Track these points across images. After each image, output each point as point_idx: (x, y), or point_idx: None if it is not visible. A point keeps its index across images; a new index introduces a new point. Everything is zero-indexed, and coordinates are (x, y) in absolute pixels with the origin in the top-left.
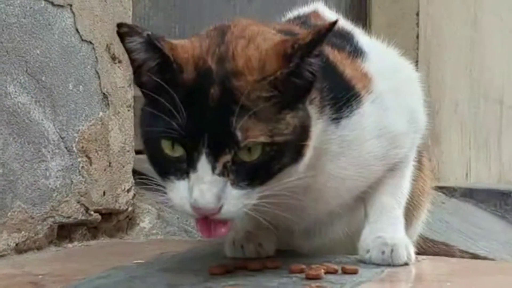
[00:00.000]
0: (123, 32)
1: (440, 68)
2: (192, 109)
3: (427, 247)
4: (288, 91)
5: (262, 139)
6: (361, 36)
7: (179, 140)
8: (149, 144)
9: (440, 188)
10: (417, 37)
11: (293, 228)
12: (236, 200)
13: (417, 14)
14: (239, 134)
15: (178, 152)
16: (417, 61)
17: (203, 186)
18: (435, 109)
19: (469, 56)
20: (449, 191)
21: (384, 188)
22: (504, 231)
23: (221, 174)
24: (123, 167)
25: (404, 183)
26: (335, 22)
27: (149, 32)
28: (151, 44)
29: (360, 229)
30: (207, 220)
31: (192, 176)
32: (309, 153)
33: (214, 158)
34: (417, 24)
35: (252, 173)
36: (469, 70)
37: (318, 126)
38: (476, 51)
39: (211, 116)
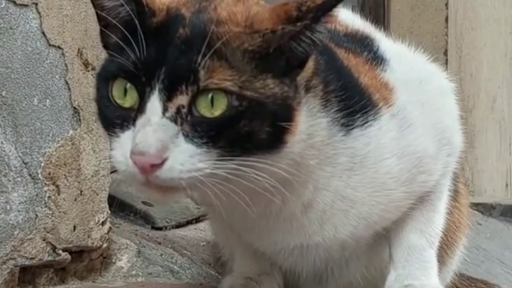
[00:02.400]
0: None
1: (475, 56)
2: (153, 47)
3: (463, 287)
4: (280, 54)
5: (228, 85)
6: (382, 41)
7: (131, 79)
8: (99, 98)
9: (475, 205)
10: (446, 20)
11: (299, 270)
12: (185, 156)
13: None
14: (201, 72)
15: (130, 100)
16: (446, 50)
17: (148, 129)
18: (468, 106)
19: (510, 42)
20: (486, 208)
21: (413, 225)
22: None
23: (173, 119)
24: (97, 195)
25: (437, 218)
26: None
27: None
28: None
29: (384, 274)
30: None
31: (139, 120)
32: (295, 146)
33: (167, 96)
34: (446, 4)
35: (212, 130)
36: (509, 58)
37: (319, 121)
38: None
39: (173, 52)
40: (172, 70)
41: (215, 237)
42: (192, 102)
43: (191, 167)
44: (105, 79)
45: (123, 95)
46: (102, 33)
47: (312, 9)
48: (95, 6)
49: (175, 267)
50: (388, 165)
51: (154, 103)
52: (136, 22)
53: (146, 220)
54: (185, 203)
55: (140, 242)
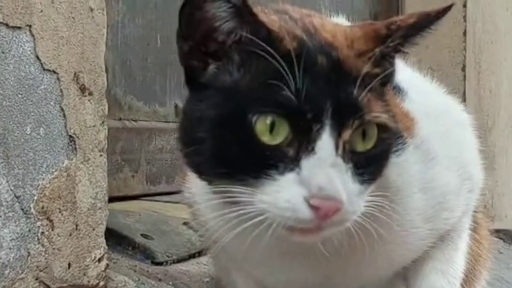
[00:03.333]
0: None
1: (494, 72)
2: (304, 78)
3: None
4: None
5: (384, 118)
6: (400, 70)
7: (290, 115)
8: (220, 138)
9: (495, 232)
10: (464, 33)
11: None
12: (355, 197)
13: (464, 5)
14: (363, 104)
15: (281, 135)
16: (464, 65)
17: (330, 170)
18: (488, 125)
19: None
20: (507, 235)
21: (433, 265)
22: None
23: (342, 157)
24: (94, 229)
25: (458, 258)
26: (449, 7)
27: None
28: (245, 10)
29: None
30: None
31: (307, 161)
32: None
33: (337, 132)
34: (464, 17)
35: (367, 165)
36: None
37: None
38: None
39: (328, 84)
40: (338, 104)
41: (218, 273)
42: (352, 136)
43: (358, 208)
44: (235, 115)
45: (270, 130)
46: (206, 48)
47: (402, 28)
48: (202, 20)
49: None
50: (415, 201)
51: (326, 141)
52: (269, 49)
53: (146, 254)
54: (187, 235)
55: (139, 279)
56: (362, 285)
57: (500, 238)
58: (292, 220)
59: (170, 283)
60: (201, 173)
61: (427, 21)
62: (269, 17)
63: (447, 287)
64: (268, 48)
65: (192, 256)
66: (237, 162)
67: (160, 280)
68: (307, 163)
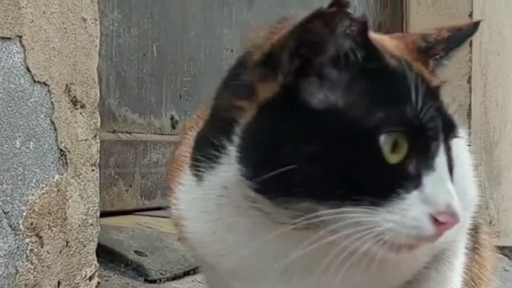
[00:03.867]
0: (335, 11)
1: (501, 84)
2: (417, 96)
3: None
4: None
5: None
6: None
7: (412, 134)
8: (337, 156)
9: (500, 249)
10: (470, 44)
11: None
12: None
13: (470, 15)
14: (454, 120)
15: (401, 153)
16: (469, 77)
17: (450, 187)
18: (494, 139)
19: None
20: None
21: (428, 285)
22: None
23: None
24: (85, 246)
25: (455, 278)
26: (478, 23)
27: (366, 18)
28: (365, 33)
29: None
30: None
31: (429, 178)
32: None
33: (447, 150)
34: None
35: None
36: None
37: None
38: None
39: (431, 101)
40: (443, 120)
41: None
42: None
43: None
44: (356, 135)
45: (390, 151)
46: (303, 79)
47: (441, 41)
48: (323, 35)
49: None
50: None
51: (442, 158)
52: (387, 69)
53: (139, 272)
54: (182, 251)
55: None
56: None
57: (505, 255)
58: (414, 238)
59: None
60: (291, 195)
61: (462, 35)
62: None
63: None
64: (385, 68)
65: (187, 274)
66: (360, 182)
67: None
68: (429, 180)
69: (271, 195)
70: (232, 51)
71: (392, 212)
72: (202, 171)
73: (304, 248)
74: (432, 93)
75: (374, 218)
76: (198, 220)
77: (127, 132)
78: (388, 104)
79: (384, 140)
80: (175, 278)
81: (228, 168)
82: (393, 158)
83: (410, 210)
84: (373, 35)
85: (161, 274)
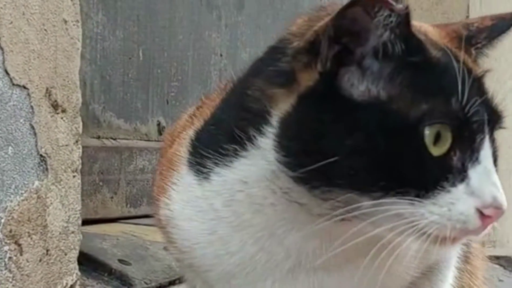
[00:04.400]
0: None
1: (497, 91)
2: (464, 88)
3: None
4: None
5: None
6: None
7: (456, 126)
8: (382, 148)
9: (496, 258)
10: None
11: None
12: None
13: (467, 18)
14: (500, 109)
15: (445, 146)
16: None
17: (495, 179)
18: None
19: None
20: (509, 262)
21: None
22: None
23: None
24: (66, 254)
25: (446, 284)
26: None
27: (407, 5)
28: (404, 22)
29: None
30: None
31: (475, 171)
32: None
33: (491, 141)
34: None
35: None
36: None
37: None
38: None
39: (476, 92)
40: (488, 111)
41: None
42: None
43: None
44: (400, 127)
45: (434, 141)
46: (341, 67)
47: (483, 30)
48: (363, 27)
49: None
50: None
51: (487, 150)
52: (431, 60)
53: (123, 281)
54: (167, 260)
55: None
56: None
57: (501, 265)
58: (458, 231)
59: None
60: (334, 186)
61: (505, 24)
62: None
63: None
64: (429, 60)
65: (172, 283)
66: (405, 174)
67: None
68: (475, 173)
69: (313, 185)
70: (221, 55)
71: (437, 204)
72: (210, 168)
73: (344, 243)
74: (478, 84)
75: (419, 210)
76: (195, 220)
77: (112, 138)
78: (433, 96)
79: (428, 132)
80: (160, 287)
81: (254, 161)
82: (437, 151)
83: (456, 204)
84: (416, 24)
85: (146, 283)
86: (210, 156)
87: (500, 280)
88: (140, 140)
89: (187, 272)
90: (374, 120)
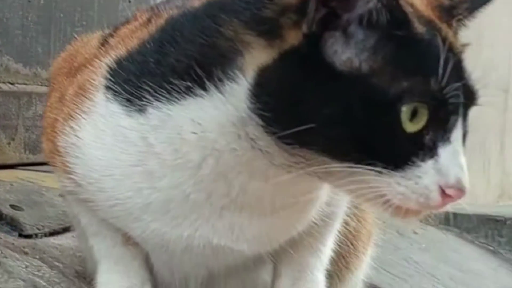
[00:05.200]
0: None
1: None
2: (444, 67)
3: None
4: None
5: None
6: None
7: (433, 105)
8: (359, 119)
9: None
10: None
11: (188, 278)
12: None
13: None
14: (477, 88)
15: (420, 123)
16: None
17: (462, 161)
18: None
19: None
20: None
21: (309, 243)
22: (495, 274)
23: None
24: None
25: (330, 241)
26: None
27: None
28: None
29: None
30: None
31: (445, 150)
32: None
33: (464, 122)
34: None
35: None
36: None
37: None
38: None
39: (455, 70)
40: (465, 92)
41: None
42: None
43: None
44: (378, 102)
45: (410, 118)
46: (326, 31)
47: (465, 0)
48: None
49: (41, 281)
50: None
51: (459, 132)
52: (416, 36)
53: (13, 226)
54: (63, 207)
55: (1, 252)
56: (239, 258)
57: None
58: (419, 204)
59: (37, 257)
60: (308, 148)
61: None
62: None
63: (319, 266)
64: (413, 36)
65: (67, 230)
66: (379, 147)
67: (26, 253)
68: (444, 152)
69: (286, 141)
70: (129, 1)
71: (405, 177)
72: (146, 101)
73: (290, 192)
74: (458, 63)
75: (387, 180)
76: (113, 150)
77: (9, 83)
78: (413, 74)
79: (404, 110)
80: (53, 233)
81: (216, 104)
82: (411, 127)
83: (423, 178)
84: None
85: (38, 229)
86: (148, 88)
87: (415, 233)
88: (41, 85)
89: (76, 207)
90: (353, 92)
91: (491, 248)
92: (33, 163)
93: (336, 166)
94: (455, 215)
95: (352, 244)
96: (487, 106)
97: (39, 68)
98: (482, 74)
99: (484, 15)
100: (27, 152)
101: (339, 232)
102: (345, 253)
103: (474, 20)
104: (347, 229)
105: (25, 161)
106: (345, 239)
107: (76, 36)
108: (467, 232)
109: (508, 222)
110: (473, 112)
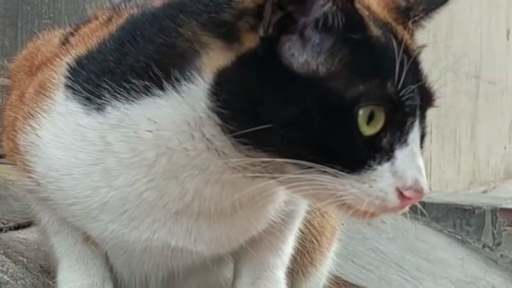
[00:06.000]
0: None
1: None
2: (400, 70)
3: None
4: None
5: None
6: None
7: (390, 108)
8: (315, 121)
9: None
10: None
11: (148, 278)
12: None
13: None
14: (434, 89)
15: (377, 126)
16: None
17: (420, 162)
18: None
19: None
20: None
21: (270, 241)
22: (462, 264)
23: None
24: None
25: (291, 239)
26: None
27: None
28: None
29: None
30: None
31: (402, 152)
32: None
33: (422, 124)
34: None
35: None
36: (432, 35)
37: None
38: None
39: (411, 72)
40: (422, 94)
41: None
42: None
43: None
44: (334, 104)
45: (367, 121)
46: (283, 34)
47: (422, 1)
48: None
49: (5, 276)
50: None
51: (416, 134)
52: (371, 40)
53: None
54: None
55: None
56: (199, 259)
57: None
58: (376, 206)
59: (1, 251)
60: (263, 150)
61: None
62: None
63: (279, 265)
64: (369, 39)
65: (32, 223)
66: (335, 150)
67: None
68: (401, 154)
69: (243, 141)
70: None
71: (360, 180)
72: (105, 100)
73: (247, 195)
74: (414, 66)
75: (342, 181)
76: (72, 149)
77: None
78: (370, 77)
79: (361, 113)
80: (18, 227)
81: (173, 104)
82: (368, 130)
83: (378, 181)
84: None
85: (3, 223)
86: (106, 87)
87: (383, 222)
88: (8, 78)
89: (36, 206)
90: (310, 95)
91: (459, 237)
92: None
93: (292, 170)
94: (423, 204)
95: (316, 240)
96: (458, 93)
97: (6, 61)
98: (454, 61)
99: (456, 3)
100: None
101: (303, 228)
102: (310, 249)
103: (446, 8)
104: (312, 224)
105: None
106: (310, 235)
107: (43, 28)
108: (435, 221)
109: (476, 211)
110: (445, 99)
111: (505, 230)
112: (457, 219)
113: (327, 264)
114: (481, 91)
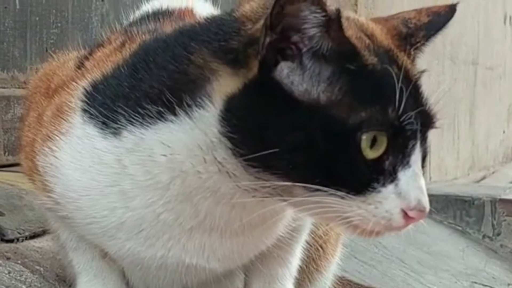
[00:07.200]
0: None
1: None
2: (400, 95)
3: None
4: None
5: None
6: None
7: (392, 133)
8: (320, 147)
9: None
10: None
11: None
12: None
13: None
14: (435, 112)
15: (380, 150)
16: None
17: (422, 183)
18: None
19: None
20: None
21: (278, 254)
22: (462, 255)
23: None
24: None
25: (299, 250)
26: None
27: (339, 8)
28: (336, 25)
29: None
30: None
31: (405, 174)
32: None
33: (423, 147)
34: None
35: None
36: None
37: None
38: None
39: (411, 97)
40: (423, 117)
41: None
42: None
43: None
44: (338, 131)
45: (370, 145)
46: (275, 58)
47: (422, 28)
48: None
49: (23, 287)
50: None
51: (418, 155)
52: (365, 68)
53: None
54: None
55: None
56: (212, 273)
57: None
58: (381, 226)
59: (19, 261)
60: (271, 173)
61: (441, 20)
62: (348, 29)
63: (288, 276)
64: (365, 67)
65: (47, 232)
66: (340, 173)
67: (8, 259)
68: (404, 176)
69: (253, 165)
70: (102, 0)
71: (366, 202)
72: (121, 124)
73: (258, 216)
74: (415, 90)
75: (348, 202)
76: (90, 171)
77: None
78: (371, 104)
79: (364, 138)
80: (34, 236)
81: (185, 129)
82: (371, 154)
83: (383, 203)
84: (363, 22)
85: (19, 233)
86: (122, 112)
87: None
88: (18, 88)
89: (55, 223)
90: (313, 121)
91: (459, 228)
92: (13, 164)
93: (300, 193)
94: None
95: (321, 248)
96: (456, 80)
97: (16, 71)
98: (452, 49)
99: None
100: (6, 154)
101: (309, 237)
102: (315, 256)
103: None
104: (317, 234)
105: (5, 162)
106: (315, 243)
107: (51, 38)
108: (435, 212)
109: (476, 202)
110: (443, 86)
111: (505, 220)
112: (457, 210)
113: (332, 269)
114: (479, 77)
